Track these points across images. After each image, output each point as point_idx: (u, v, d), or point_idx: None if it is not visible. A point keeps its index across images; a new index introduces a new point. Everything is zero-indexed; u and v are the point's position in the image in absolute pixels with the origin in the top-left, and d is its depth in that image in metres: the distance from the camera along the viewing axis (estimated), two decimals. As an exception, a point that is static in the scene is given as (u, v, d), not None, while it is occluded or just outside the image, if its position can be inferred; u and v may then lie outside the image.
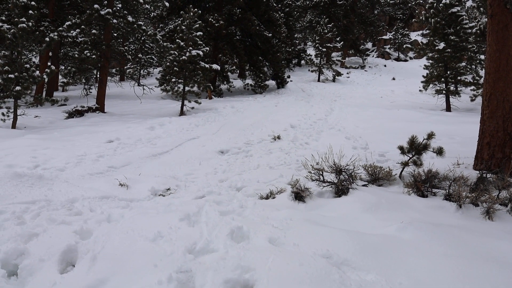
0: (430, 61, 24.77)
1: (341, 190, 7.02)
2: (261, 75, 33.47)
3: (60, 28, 22.22)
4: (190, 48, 21.20)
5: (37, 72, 17.48)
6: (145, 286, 3.89)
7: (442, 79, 23.61)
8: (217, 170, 10.05)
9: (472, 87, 23.86)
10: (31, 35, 17.40)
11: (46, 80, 21.18)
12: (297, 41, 58.25)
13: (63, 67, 30.67)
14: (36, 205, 6.25)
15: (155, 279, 3.98)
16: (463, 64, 23.71)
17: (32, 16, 17.26)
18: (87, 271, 4.22)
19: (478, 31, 20.89)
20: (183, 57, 20.78)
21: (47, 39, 19.24)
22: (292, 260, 4.19)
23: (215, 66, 24.18)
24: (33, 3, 17.41)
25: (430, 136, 8.19)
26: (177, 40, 21.71)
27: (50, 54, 29.72)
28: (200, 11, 23.04)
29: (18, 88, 16.49)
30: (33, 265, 4.37)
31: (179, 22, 24.08)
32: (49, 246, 4.74)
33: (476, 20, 23.32)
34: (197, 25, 21.97)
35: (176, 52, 21.21)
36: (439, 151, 8.27)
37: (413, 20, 59.25)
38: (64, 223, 5.60)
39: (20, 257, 4.58)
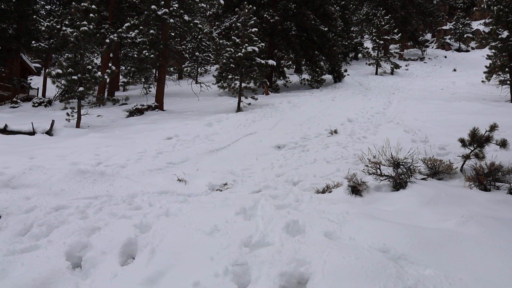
0: (493, 51, 23.74)
1: (399, 183, 6.87)
2: (317, 69, 33.28)
3: (119, 30, 22.90)
4: (246, 44, 21.34)
5: (99, 73, 18.13)
6: (202, 279, 3.94)
7: (506, 69, 22.59)
8: (274, 165, 10.09)
9: (540, 77, 22.67)
10: (92, 38, 18.02)
11: (107, 80, 21.89)
12: (353, 35, 57.54)
13: (123, 67, 31.69)
14: (98, 200, 6.50)
15: (211, 272, 4.03)
16: (529, 52, 22.60)
17: (93, 19, 17.89)
18: (146, 264, 4.33)
19: (546, 17, 19.89)
20: (239, 53, 20.93)
21: (107, 40, 19.97)
22: (348, 254, 4.12)
23: (271, 62, 24.25)
24: (93, 6, 18.02)
25: (493, 128, 7.89)
26: (232, 37, 21.90)
27: (111, 55, 30.76)
28: (255, 8, 23.18)
29: (81, 88, 17.16)
30: (96, 258, 4.53)
31: (235, 19, 24.32)
32: (111, 239, 4.90)
33: (544, 6, 22.17)
34: (252, 22, 22.08)
35: (232, 49, 21.40)
36: (503, 144, 7.94)
37: (474, 8, 57.00)
38: (125, 217, 5.79)
39: (83, 249, 4.76)
